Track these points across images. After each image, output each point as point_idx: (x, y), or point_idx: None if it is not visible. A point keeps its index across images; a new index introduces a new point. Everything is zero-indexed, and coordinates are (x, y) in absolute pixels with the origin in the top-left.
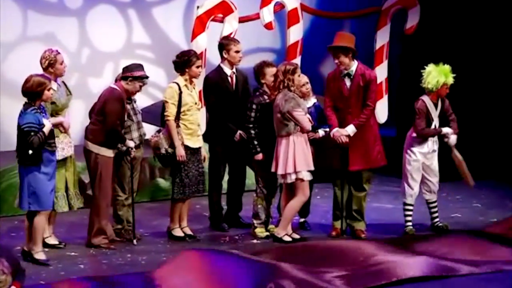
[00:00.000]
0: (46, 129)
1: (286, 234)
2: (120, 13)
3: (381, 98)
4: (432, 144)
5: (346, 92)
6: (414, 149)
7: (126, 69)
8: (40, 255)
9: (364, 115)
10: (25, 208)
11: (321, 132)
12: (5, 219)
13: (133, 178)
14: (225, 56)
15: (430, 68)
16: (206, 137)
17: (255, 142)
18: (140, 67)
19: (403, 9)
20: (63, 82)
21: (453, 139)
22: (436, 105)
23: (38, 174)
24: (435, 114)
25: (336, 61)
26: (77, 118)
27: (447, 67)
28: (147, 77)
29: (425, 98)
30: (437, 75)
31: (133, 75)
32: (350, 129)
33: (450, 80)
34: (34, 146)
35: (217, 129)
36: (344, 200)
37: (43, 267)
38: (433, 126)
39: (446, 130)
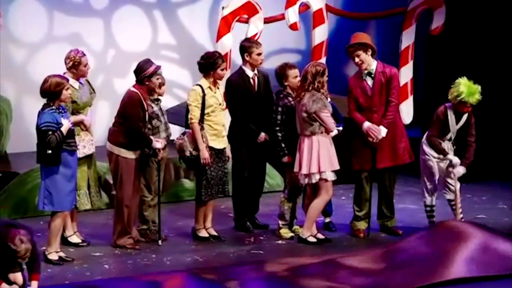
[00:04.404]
0: (64, 129)
1: (311, 235)
2: (146, 13)
3: (406, 99)
4: (446, 149)
5: (369, 91)
6: (428, 150)
7: (136, 72)
8: (53, 255)
9: (390, 112)
10: (40, 208)
11: (334, 131)
12: (31, 220)
13: (159, 179)
14: (247, 58)
15: (461, 80)
16: (229, 139)
17: (283, 145)
18: (147, 62)
19: (429, 10)
20: (87, 80)
21: (458, 170)
22: (457, 118)
23: (56, 175)
24: (454, 126)
25: (357, 59)
26: (101, 118)
27: (475, 87)
28: (159, 67)
29: (448, 108)
30: (461, 89)
31: (146, 74)
32: (383, 131)
33: (473, 100)
34: (52, 145)
35: (240, 131)
36: (371, 199)
37: (69, 267)
38: (448, 137)
39: (451, 157)
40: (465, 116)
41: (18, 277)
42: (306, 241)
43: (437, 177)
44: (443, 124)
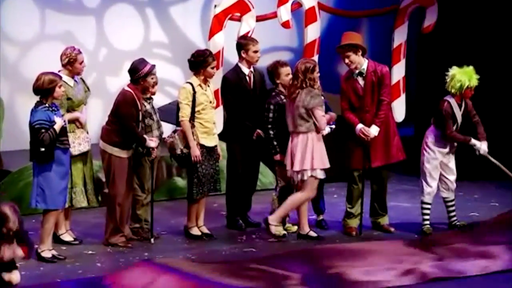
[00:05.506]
0: (57, 126)
1: (276, 225)
2: (138, 12)
3: (399, 96)
4: (452, 144)
5: (361, 91)
6: (433, 147)
7: (131, 71)
8: (46, 253)
9: (382, 112)
10: (33, 206)
11: (327, 129)
12: (23, 218)
13: (152, 177)
14: (243, 55)
15: (454, 71)
16: (224, 136)
17: (275, 143)
18: (142, 62)
19: (421, 8)
20: (81, 78)
21: (484, 148)
22: (460, 106)
23: (49, 172)
24: (459, 114)
25: (347, 60)
26: (94, 116)
27: (470, 69)
28: (154, 67)
29: (450, 100)
30: (460, 78)
31: (141, 74)
32: (374, 130)
33: (474, 82)
34: (45, 143)
35: (235, 128)
36: (362, 197)
37: (61, 265)
38: (456, 127)
39: (474, 142)
40: (463, 102)
41: (13, 276)
42: (269, 229)
43: (438, 175)
44: (453, 118)
